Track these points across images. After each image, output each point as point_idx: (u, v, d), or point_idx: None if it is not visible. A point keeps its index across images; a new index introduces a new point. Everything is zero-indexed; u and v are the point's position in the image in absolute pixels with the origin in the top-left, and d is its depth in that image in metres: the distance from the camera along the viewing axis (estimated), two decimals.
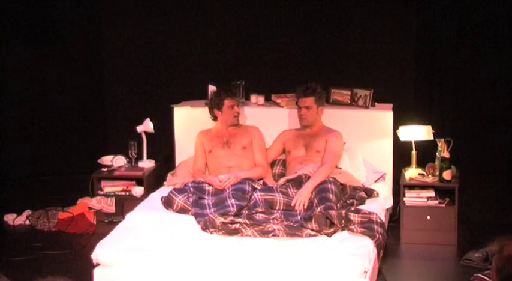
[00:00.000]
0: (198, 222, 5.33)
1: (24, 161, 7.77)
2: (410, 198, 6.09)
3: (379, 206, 5.72)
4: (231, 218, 5.20)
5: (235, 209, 5.39)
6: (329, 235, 5.10)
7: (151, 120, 6.67)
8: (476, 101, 7.17)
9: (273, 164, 6.23)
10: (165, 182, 6.26)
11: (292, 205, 5.52)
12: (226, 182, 5.83)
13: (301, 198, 5.54)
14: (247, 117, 6.47)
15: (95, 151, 7.27)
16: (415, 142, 6.28)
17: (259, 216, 5.33)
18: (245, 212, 5.38)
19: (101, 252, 4.90)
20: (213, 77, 6.83)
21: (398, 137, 6.30)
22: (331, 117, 6.26)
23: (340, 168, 6.01)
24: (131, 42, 7.56)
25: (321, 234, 5.09)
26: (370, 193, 5.83)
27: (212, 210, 5.46)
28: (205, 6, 7.39)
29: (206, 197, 5.71)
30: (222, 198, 5.62)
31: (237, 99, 6.22)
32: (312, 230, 5.10)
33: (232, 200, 5.51)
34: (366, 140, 6.16)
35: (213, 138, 6.17)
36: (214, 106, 6.18)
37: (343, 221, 5.18)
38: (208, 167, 6.19)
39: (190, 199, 5.64)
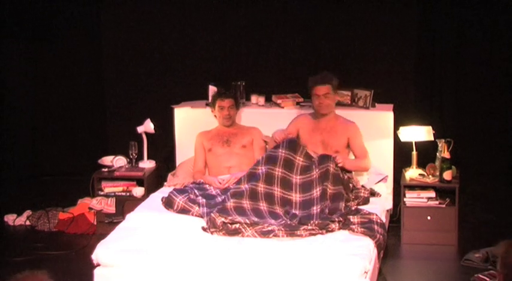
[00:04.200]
0: (208, 214, 5.33)
1: (25, 162, 7.78)
2: (411, 198, 6.09)
3: (380, 206, 5.72)
4: (231, 217, 5.20)
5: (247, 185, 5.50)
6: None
7: (151, 120, 6.68)
8: (476, 101, 7.17)
9: None
10: (165, 183, 6.26)
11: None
12: (226, 184, 5.86)
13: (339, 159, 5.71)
14: (247, 117, 6.47)
15: (96, 151, 7.27)
16: (415, 142, 6.28)
17: (264, 206, 5.37)
18: (247, 186, 5.46)
19: (101, 252, 4.89)
20: (213, 78, 6.84)
21: (398, 138, 6.30)
22: None
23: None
24: (132, 42, 7.57)
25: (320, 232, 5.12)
26: (372, 194, 5.88)
27: (223, 197, 5.53)
28: (206, 7, 7.39)
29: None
30: (226, 189, 5.72)
31: (229, 101, 6.18)
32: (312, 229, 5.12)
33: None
34: (367, 141, 6.15)
35: (213, 137, 6.19)
36: (211, 105, 6.24)
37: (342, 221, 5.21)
38: (208, 166, 6.20)
39: (198, 199, 5.62)
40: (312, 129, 6.07)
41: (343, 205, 5.44)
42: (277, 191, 5.52)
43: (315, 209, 5.39)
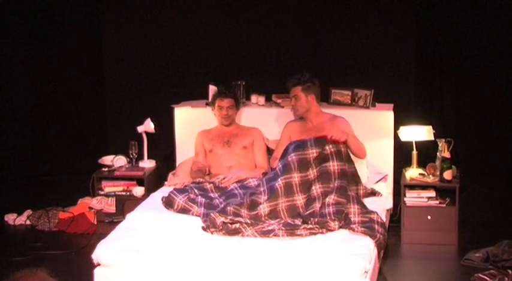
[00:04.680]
0: (204, 215, 5.33)
1: (25, 161, 7.78)
2: (411, 198, 6.09)
3: (380, 206, 5.72)
4: (231, 216, 5.20)
5: (241, 197, 5.50)
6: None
7: (151, 120, 6.68)
8: (476, 101, 7.18)
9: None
10: (165, 182, 6.26)
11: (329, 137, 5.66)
12: (225, 179, 5.87)
13: (339, 134, 5.68)
14: (247, 117, 6.47)
15: (96, 150, 7.28)
16: (415, 142, 6.28)
17: (263, 208, 5.37)
18: (247, 199, 5.43)
19: (101, 252, 4.89)
20: (213, 77, 6.84)
21: (398, 137, 6.30)
22: None
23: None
24: (132, 42, 7.57)
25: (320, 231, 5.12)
26: (373, 194, 5.88)
27: (221, 199, 5.55)
28: (206, 6, 7.40)
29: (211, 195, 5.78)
30: (227, 190, 5.73)
31: (228, 101, 6.17)
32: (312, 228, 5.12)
33: (239, 190, 5.63)
34: (367, 140, 6.15)
35: (214, 138, 6.19)
36: (211, 104, 6.26)
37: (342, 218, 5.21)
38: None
39: (198, 199, 5.62)
40: (301, 132, 6.05)
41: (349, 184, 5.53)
42: (281, 202, 5.48)
43: (315, 190, 5.43)
